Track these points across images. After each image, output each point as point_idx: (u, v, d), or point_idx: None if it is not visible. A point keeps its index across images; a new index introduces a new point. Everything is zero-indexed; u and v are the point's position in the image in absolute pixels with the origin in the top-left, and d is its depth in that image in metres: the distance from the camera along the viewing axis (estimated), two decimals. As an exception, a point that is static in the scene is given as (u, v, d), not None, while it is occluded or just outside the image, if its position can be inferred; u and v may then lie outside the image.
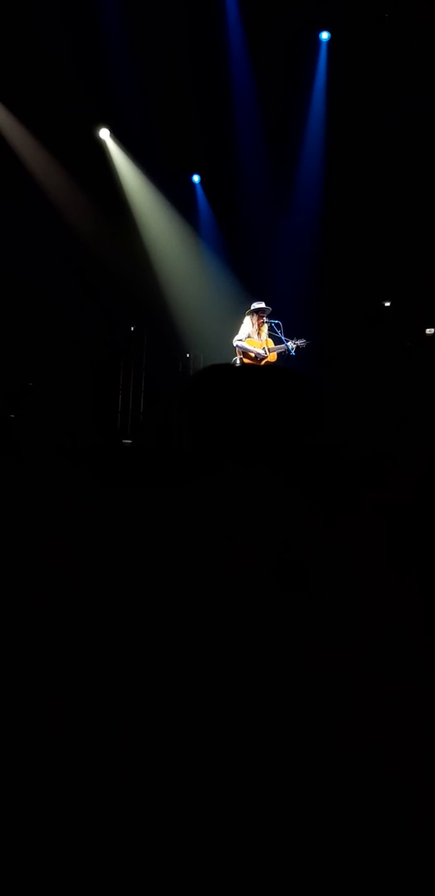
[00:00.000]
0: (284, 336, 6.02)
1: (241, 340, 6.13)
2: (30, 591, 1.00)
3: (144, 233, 9.33)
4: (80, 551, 1.09)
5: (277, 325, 6.08)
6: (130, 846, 0.70)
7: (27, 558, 1.08)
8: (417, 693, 0.85)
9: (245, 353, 6.13)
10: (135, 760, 0.77)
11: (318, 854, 0.69)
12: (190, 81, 7.95)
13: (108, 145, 8.88)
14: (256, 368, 4.80)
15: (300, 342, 6.02)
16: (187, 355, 9.44)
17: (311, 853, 0.69)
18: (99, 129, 8.71)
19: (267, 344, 6.19)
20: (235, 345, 6.18)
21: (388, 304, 7.47)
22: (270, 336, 6.23)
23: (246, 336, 6.15)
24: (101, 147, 8.84)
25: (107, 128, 8.75)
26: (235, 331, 6.24)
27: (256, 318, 6.16)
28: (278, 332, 6.05)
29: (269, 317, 6.18)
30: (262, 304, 6.18)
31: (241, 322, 6.27)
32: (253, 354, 6.11)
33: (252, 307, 6.22)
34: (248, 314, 6.23)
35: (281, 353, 6.16)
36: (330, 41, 8.11)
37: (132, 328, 9.19)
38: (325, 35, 8.08)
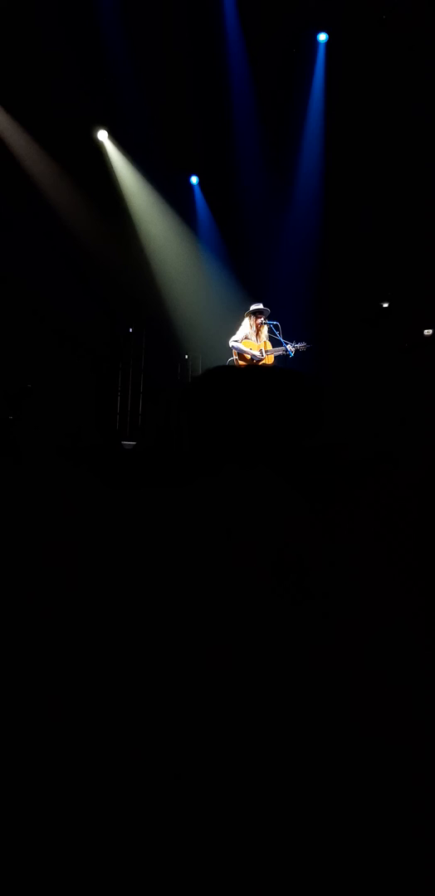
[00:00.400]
0: (283, 338, 6.01)
1: (236, 341, 6.12)
2: (30, 592, 1.00)
3: (143, 234, 9.34)
4: (80, 552, 1.09)
5: (275, 325, 6.07)
6: (131, 846, 0.69)
7: (27, 559, 1.08)
8: (417, 693, 0.85)
9: (241, 354, 6.12)
10: (135, 760, 0.77)
11: (318, 854, 0.69)
12: (188, 83, 7.97)
13: (106, 147, 8.90)
14: (255, 369, 4.79)
15: (300, 345, 5.99)
16: (186, 357, 9.45)
17: (311, 853, 0.69)
18: (97, 131, 8.72)
19: (265, 346, 6.17)
20: (230, 345, 6.17)
21: (386, 305, 7.48)
22: (269, 338, 6.22)
23: (242, 337, 6.13)
24: (99, 148, 8.86)
25: (105, 129, 8.76)
26: (234, 332, 6.24)
27: (254, 319, 6.16)
28: (277, 333, 6.04)
29: (267, 318, 6.17)
30: (260, 306, 6.17)
31: (240, 323, 6.27)
32: (248, 356, 6.10)
33: (250, 308, 6.21)
34: (246, 315, 6.22)
35: (279, 355, 6.15)
36: (328, 43, 8.13)
37: (130, 330, 9.20)
38: (322, 37, 8.11)
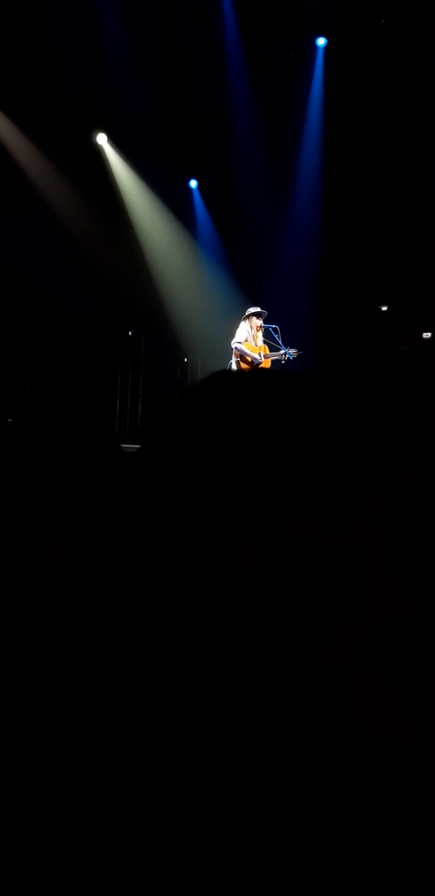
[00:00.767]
0: (281, 341, 6.00)
1: (239, 343, 6.10)
2: (30, 592, 1.00)
3: (142, 237, 9.36)
4: (80, 552, 1.09)
5: (274, 329, 6.05)
6: (131, 846, 0.69)
7: (27, 558, 1.08)
8: (417, 693, 0.85)
9: (243, 356, 6.10)
10: (135, 760, 0.76)
11: (318, 854, 0.69)
12: (187, 87, 7.99)
13: (105, 150, 8.91)
14: (256, 371, 4.79)
15: (292, 351, 5.98)
16: (185, 359, 9.46)
17: (311, 853, 0.69)
18: (96, 134, 8.74)
19: (263, 350, 6.17)
20: (233, 347, 6.14)
21: (385, 308, 7.50)
22: (266, 341, 6.20)
23: (244, 340, 6.12)
24: (98, 152, 8.87)
25: (104, 133, 8.78)
26: (232, 335, 6.22)
27: (254, 322, 6.14)
28: (276, 336, 6.03)
29: (265, 321, 6.16)
30: (258, 309, 6.16)
31: (237, 326, 6.24)
32: (250, 359, 6.09)
33: (248, 311, 6.19)
34: (244, 318, 6.20)
35: (276, 359, 6.14)
36: (326, 47, 8.16)
37: (130, 332, 9.22)
38: (321, 41, 8.14)
